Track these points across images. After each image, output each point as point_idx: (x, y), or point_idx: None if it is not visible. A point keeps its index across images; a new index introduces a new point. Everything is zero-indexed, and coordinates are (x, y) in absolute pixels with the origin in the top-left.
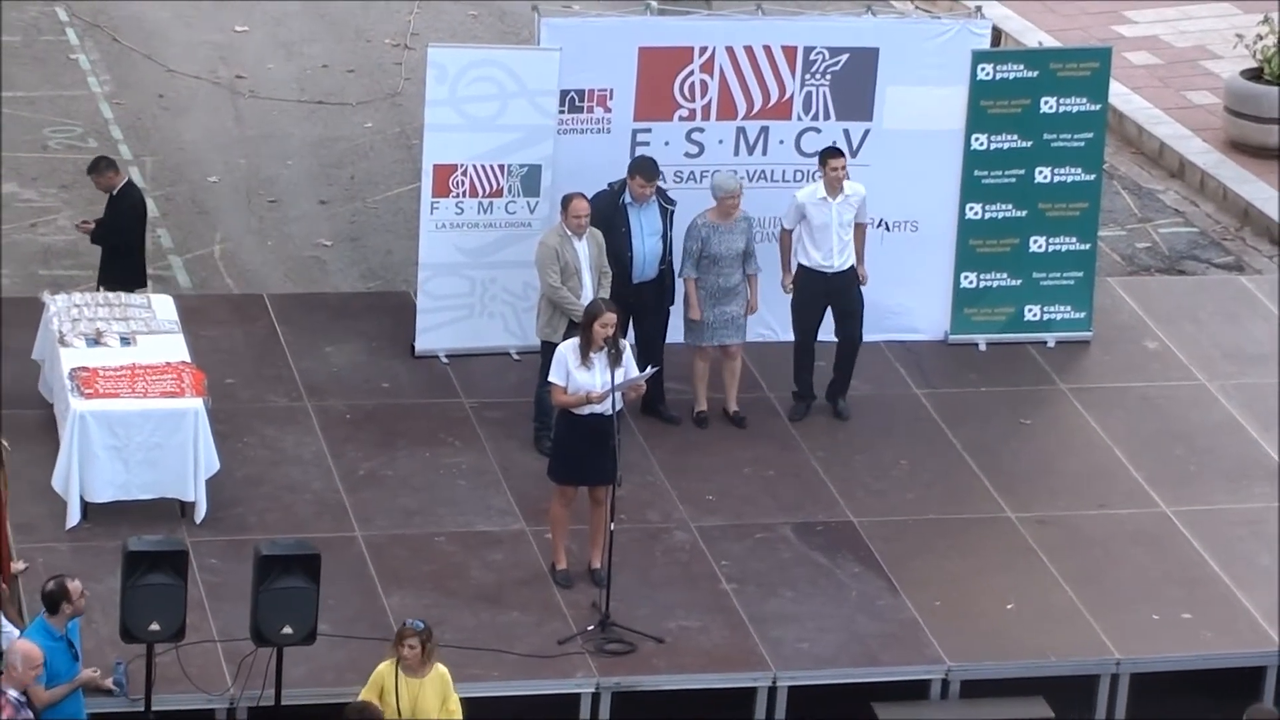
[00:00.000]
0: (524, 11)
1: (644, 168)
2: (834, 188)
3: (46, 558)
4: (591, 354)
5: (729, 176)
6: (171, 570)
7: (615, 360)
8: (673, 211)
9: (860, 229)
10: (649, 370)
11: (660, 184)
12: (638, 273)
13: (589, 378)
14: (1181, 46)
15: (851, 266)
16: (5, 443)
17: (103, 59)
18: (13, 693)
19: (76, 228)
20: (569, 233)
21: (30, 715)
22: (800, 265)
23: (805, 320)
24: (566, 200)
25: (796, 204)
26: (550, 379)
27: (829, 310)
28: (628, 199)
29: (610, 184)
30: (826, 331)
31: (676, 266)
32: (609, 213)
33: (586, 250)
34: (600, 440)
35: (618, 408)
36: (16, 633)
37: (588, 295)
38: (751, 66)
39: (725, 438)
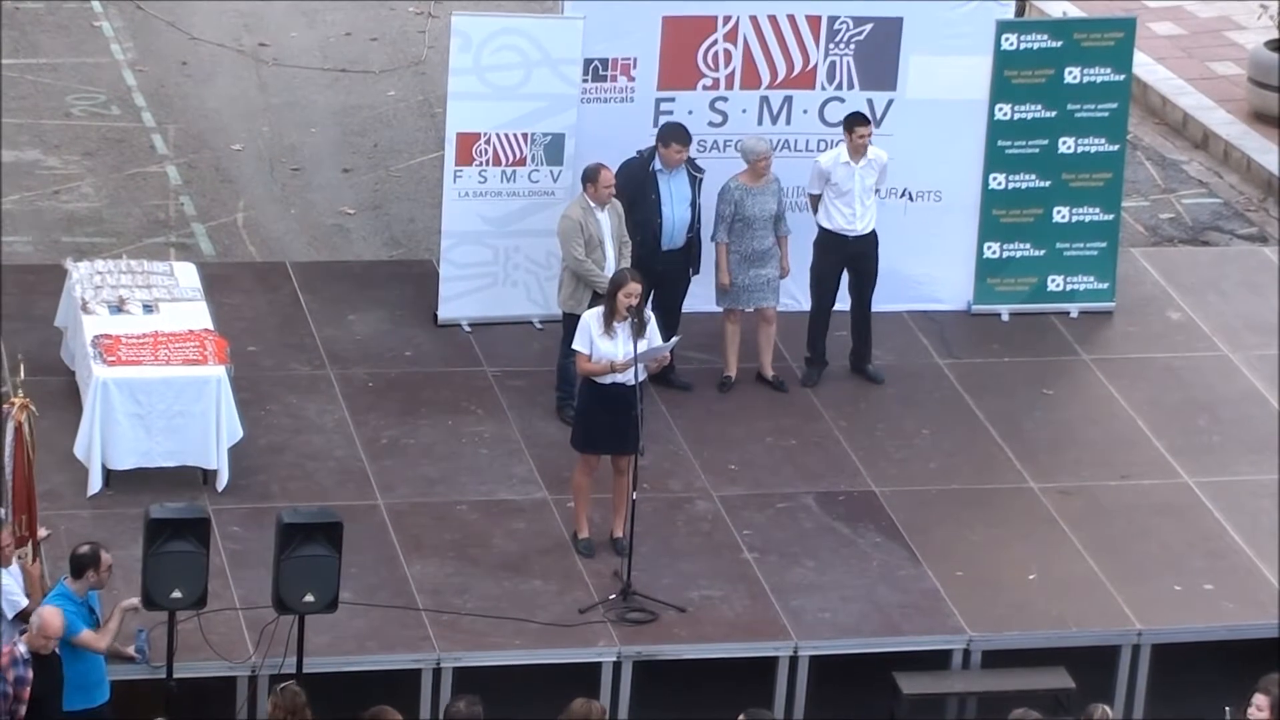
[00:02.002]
0: None
1: (676, 133)
2: (858, 153)
3: (69, 525)
4: (615, 323)
5: (758, 139)
6: (194, 538)
7: (639, 330)
8: (701, 179)
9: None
10: (673, 340)
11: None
12: (666, 240)
13: (612, 347)
14: (1205, 17)
15: (872, 231)
16: (33, 408)
17: (126, 26)
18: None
19: None
20: (592, 204)
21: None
22: (821, 228)
23: (824, 283)
24: (594, 171)
25: (820, 169)
26: (574, 347)
27: (845, 275)
28: (658, 166)
29: (639, 151)
30: (842, 301)
31: (706, 234)
32: (639, 179)
33: (608, 221)
34: (623, 409)
35: (641, 377)
36: (23, 599)
37: (611, 266)
38: (775, 36)
39: (748, 407)
